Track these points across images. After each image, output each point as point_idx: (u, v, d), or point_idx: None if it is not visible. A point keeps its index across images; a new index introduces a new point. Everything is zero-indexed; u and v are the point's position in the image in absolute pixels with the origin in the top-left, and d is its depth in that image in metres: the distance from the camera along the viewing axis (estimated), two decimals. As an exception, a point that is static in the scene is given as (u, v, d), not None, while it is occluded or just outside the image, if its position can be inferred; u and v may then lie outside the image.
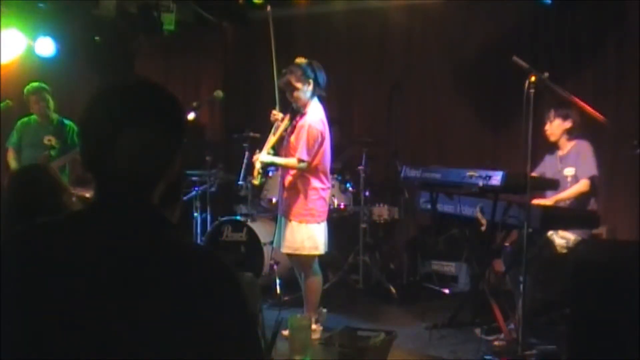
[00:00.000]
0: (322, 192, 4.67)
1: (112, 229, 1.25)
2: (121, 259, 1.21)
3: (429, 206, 5.02)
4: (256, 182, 4.90)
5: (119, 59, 7.01)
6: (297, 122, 4.67)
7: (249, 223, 5.95)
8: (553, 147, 4.94)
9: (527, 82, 4.14)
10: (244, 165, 6.02)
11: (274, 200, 5.88)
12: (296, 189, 4.65)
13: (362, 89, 7.29)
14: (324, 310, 4.92)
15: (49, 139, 5.88)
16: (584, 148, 4.76)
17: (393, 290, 5.88)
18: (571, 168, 4.75)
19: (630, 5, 5.91)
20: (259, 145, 5.11)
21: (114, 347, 1.17)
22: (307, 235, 4.62)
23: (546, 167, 4.93)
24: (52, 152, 5.86)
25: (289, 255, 4.80)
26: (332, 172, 5.17)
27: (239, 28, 7.63)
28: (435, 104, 6.98)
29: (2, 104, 5.84)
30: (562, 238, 4.65)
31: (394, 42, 7.10)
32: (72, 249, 1.24)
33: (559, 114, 4.80)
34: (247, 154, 6.06)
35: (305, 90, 4.60)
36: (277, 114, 4.82)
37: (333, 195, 5.67)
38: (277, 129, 4.79)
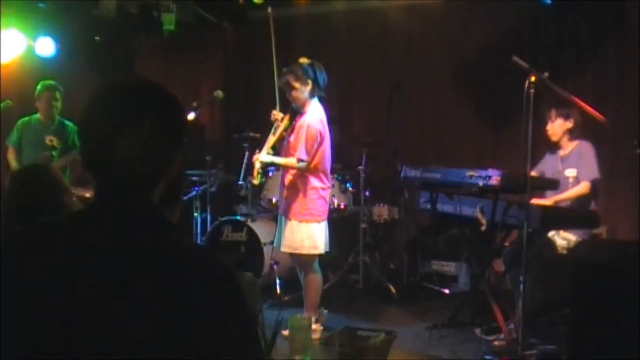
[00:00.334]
0: (322, 191, 4.68)
1: (112, 229, 1.25)
2: (121, 259, 1.21)
3: (429, 206, 5.02)
4: (256, 181, 4.91)
5: (119, 59, 7.02)
6: (296, 122, 4.69)
7: (249, 223, 5.95)
8: (553, 146, 4.93)
9: (527, 82, 4.14)
10: (244, 165, 6.03)
11: (274, 200, 5.88)
12: (296, 188, 4.66)
13: (362, 89, 7.29)
14: (325, 311, 4.93)
15: (51, 139, 5.88)
16: (586, 149, 4.74)
17: (393, 290, 5.88)
18: (572, 169, 4.72)
19: (630, 5, 5.91)
20: (259, 145, 5.12)
21: (114, 347, 1.17)
22: (307, 235, 4.63)
23: (546, 166, 4.92)
24: (54, 153, 5.86)
25: (290, 254, 4.81)
26: (332, 172, 5.18)
27: (239, 28, 7.63)
28: (435, 104, 6.98)
29: (2, 104, 5.84)
30: (563, 239, 4.64)
31: (394, 42, 7.10)
32: (72, 249, 1.24)
33: (560, 114, 4.78)
34: (247, 154, 6.07)
35: (303, 90, 4.61)
36: (277, 113, 4.83)
37: (333, 195, 5.67)
38: (277, 129, 4.80)
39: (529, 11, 6.36)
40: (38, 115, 5.96)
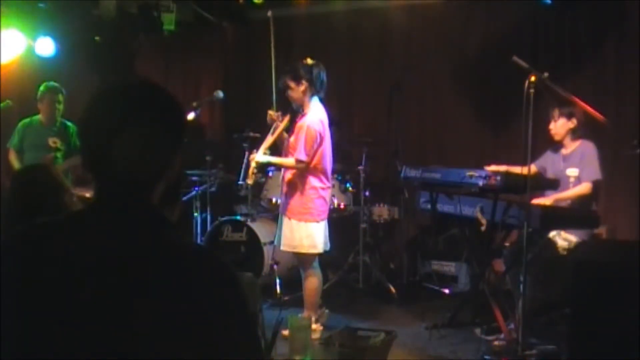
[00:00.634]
0: (321, 191, 4.69)
1: (112, 229, 1.25)
2: (121, 259, 1.21)
3: (429, 206, 5.02)
4: (250, 181, 4.93)
5: (119, 59, 7.02)
6: (296, 122, 4.70)
7: (249, 223, 5.95)
8: (555, 145, 4.91)
9: (527, 82, 4.14)
10: (244, 165, 6.02)
11: (274, 200, 5.88)
12: (296, 188, 4.68)
13: (362, 89, 7.29)
14: (327, 311, 4.94)
15: (54, 141, 5.87)
16: (589, 149, 4.71)
17: (393, 290, 5.88)
18: (574, 169, 4.70)
19: (630, 5, 5.91)
20: (258, 145, 5.12)
21: (114, 347, 1.17)
22: (306, 234, 4.65)
23: (547, 163, 4.90)
24: (58, 155, 5.86)
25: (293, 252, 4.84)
26: (333, 172, 5.19)
27: (239, 28, 7.63)
28: (435, 104, 6.98)
29: (2, 104, 5.83)
30: (564, 240, 4.63)
31: (394, 42, 7.10)
32: (72, 249, 1.24)
33: (563, 113, 4.75)
34: (247, 154, 6.07)
35: (297, 90, 4.64)
36: (273, 113, 4.83)
37: (333, 195, 5.67)
38: (275, 129, 4.81)
39: (529, 11, 6.36)
40: (39, 117, 5.95)
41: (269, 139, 4.81)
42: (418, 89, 6.99)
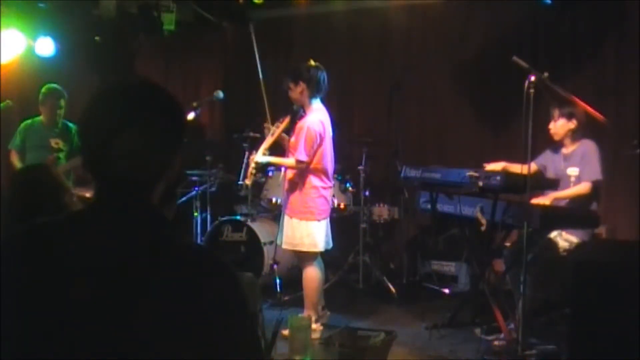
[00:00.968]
0: (322, 190, 4.73)
1: (112, 229, 1.25)
2: (121, 259, 1.21)
3: (429, 206, 5.02)
4: (248, 181, 4.98)
5: (119, 59, 7.02)
6: (297, 123, 4.75)
7: (249, 223, 5.95)
8: (555, 144, 4.90)
9: (527, 82, 4.14)
10: (244, 165, 6.03)
11: (274, 200, 5.88)
12: (297, 187, 4.72)
13: (362, 89, 7.29)
14: (328, 313, 4.95)
15: (56, 142, 5.88)
16: (590, 149, 4.68)
17: (393, 290, 5.88)
18: (575, 168, 4.69)
19: (630, 5, 5.91)
20: (258, 145, 5.14)
21: (114, 347, 1.17)
22: (307, 233, 4.69)
23: (548, 162, 4.88)
24: (60, 155, 5.86)
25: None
26: (334, 171, 5.20)
27: (239, 28, 7.63)
28: (435, 104, 6.98)
29: (2, 104, 5.83)
30: (565, 241, 4.63)
31: (394, 42, 7.10)
32: (72, 249, 1.24)
33: (563, 114, 4.73)
34: (247, 154, 6.07)
35: (296, 91, 4.69)
36: (268, 125, 4.92)
37: (333, 195, 5.67)
38: (275, 130, 4.85)
39: (529, 11, 6.36)
40: (41, 118, 5.95)
41: (269, 140, 4.85)
42: (418, 89, 6.99)
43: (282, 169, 5.14)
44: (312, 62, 4.75)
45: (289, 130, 4.85)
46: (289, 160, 4.72)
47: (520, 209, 4.31)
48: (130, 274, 1.20)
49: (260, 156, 4.81)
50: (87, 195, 4.87)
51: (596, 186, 4.66)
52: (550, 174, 4.84)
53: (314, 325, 4.40)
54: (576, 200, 4.66)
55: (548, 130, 4.84)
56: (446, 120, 6.91)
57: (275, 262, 5.69)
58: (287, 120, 4.84)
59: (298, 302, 5.04)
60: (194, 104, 5.65)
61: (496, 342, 4.54)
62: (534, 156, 4.47)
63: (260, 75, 5.09)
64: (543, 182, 4.74)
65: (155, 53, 7.65)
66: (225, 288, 1.24)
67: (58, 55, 6.50)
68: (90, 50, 6.83)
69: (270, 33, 7.54)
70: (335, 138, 4.90)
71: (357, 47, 7.24)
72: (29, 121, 5.97)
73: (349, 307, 5.63)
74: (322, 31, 7.31)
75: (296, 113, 4.82)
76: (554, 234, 4.63)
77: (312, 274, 4.78)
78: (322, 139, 4.65)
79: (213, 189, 6.44)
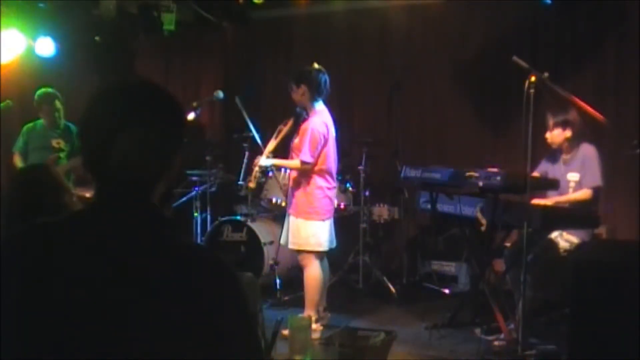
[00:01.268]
0: (327, 191, 4.79)
1: (112, 229, 1.25)
2: (121, 259, 1.21)
3: (429, 206, 5.02)
4: (252, 185, 5.02)
5: (119, 59, 7.02)
6: (301, 125, 4.80)
7: (249, 223, 5.95)
8: (553, 149, 4.89)
9: (527, 82, 4.14)
10: (244, 165, 6.03)
11: (274, 200, 5.88)
12: (302, 187, 4.77)
13: (362, 89, 7.28)
14: (329, 314, 4.95)
15: (58, 142, 5.89)
16: (590, 155, 4.65)
17: (393, 290, 5.88)
18: (575, 173, 4.67)
19: (630, 5, 5.91)
20: (258, 145, 5.16)
21: (114, 346, 1.17)
22: (312, 233, 4.73)
23: (548, 168, 4.85)
24: (61, 155, 5.87)
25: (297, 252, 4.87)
26: (339, 172, 5.25)
27: (239, 28, 7.63)
28: (435, 104, 6.98)
29: (2, 104, 5.84)
30: (566, 241, 4.63)
31: (394, 42, 7.10)
32: (72, 249, 1.24)
33: (557, 123, 4.66)
34: (247, 154, 6.08)
35: (298, 93, 4.74)
36: (282, 127, 4.97)
37: (334, 195, 5.68)
38: (279, 133, 4.91)
39: (529, 11, 6.36)
40: (42, 120, 5.97)
41: (272, 143, 4.93)
42: (418, 89, 6.99)
43: (284, 170, 5.16)
44: (315, 65, 4.81)
45: (293, 133, 4.88)
46: (294, 162, 4.76)
47: (520, 209, 4.31)
48: (130, 274, 1.20)
49: (264, 159, 4.88)
50: (87, 195, 4.87)
51: (596, 192, 4.65)
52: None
53: (314, 326, 4.41)
54: (576, 204, 4.65)
55: (545, 139, 4.82)
56: (446, 120, 6.91)
57: (275, 262, 5.69)
58: (290, 122, 4.90)
59: (298, 302, 5.04)
60: (194, 104, 5.65)
61: (496, 342, 4.54)
62: (534, 157, 4.46)
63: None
64: (543, 183, 4.73)
65: (155, 53, 7.64)
66: (225, 288, 1.24)
67: (58, 55, 6.50)
68: (91, 51, 6.83)
69: (270, 33, 7.55)
70: (336, 138, 4.91)
71: (357, 47, 7.24)
72: (30, 124, 5.99)
73: (349, 307, 5.62)
74: (322, 31, 7.31)
75: (299, 115, 4.85)
76: (554, 234, 4.62)
77: (313, 274, 4.79)
78: (326, 140, 4.71)
79: (213, 189, 6.44)
